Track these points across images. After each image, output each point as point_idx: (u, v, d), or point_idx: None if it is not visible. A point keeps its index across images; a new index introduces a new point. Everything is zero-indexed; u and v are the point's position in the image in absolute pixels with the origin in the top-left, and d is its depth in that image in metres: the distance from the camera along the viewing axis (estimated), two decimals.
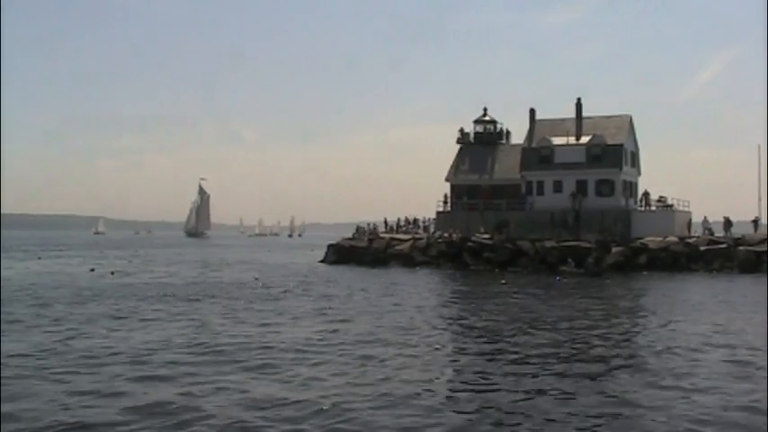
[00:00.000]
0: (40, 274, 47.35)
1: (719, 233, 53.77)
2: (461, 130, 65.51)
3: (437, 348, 19.32)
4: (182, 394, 13.91)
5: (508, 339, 20.95)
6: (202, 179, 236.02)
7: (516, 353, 18.64)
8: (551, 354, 18.38)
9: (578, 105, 60.90)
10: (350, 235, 64.75)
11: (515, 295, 33.59)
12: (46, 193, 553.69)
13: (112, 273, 49.05)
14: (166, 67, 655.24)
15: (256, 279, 43.18)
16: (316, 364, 16.97)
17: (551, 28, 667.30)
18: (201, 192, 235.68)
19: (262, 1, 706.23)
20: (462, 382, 15.45)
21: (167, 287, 37.84)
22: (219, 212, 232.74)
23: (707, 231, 54.36)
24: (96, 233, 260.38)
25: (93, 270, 52.04)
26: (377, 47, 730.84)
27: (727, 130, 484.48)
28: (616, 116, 60.50)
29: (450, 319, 25.75)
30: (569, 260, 49.00)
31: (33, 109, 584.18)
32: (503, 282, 40.46)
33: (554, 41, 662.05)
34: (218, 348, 19.04)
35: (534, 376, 15.84)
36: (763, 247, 48.82)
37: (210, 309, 28.27)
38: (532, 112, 62.54)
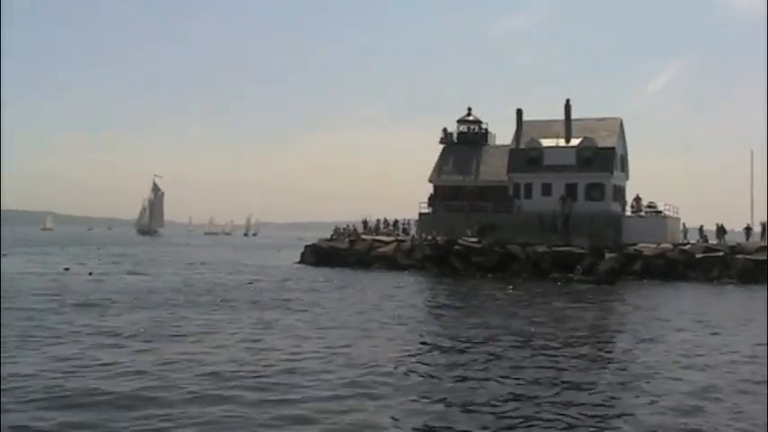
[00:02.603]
0: (21, 276, 42.82)
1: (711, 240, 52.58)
2: (445, 130, 63.30)
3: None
4: None
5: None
6: (157, 176, 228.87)
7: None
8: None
9: (567, 107, 59.14)
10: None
11: (548, 305, 31.48)
12: None
13: (90, 273, 45.45)
14: (113, 62, 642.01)
15: (251, 283, 40.22)
16: None
17: (502, 34, 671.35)
18: (155, 189, 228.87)
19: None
20: None
21: (176, 292, 34.18)
22: (168, 210, 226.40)
23: (702, 239, 52.95)
24: (44, 229, 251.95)
25: (67, 269, 48.30)
26: (326, 45, 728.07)
27: (678, 139, 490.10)
28: (607, 119, 58.87)
29: (521, 340, 21.81)
30: (578, 267, 46.95)
31: None
32: (510, 288, 38.27)
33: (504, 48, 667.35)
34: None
35: None
36: (762, 256, 47.41)
37: (250, 316, 25.54)
38: (519, 112, 60.67)
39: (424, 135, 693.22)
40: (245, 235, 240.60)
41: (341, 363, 17.14)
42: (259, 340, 20.46)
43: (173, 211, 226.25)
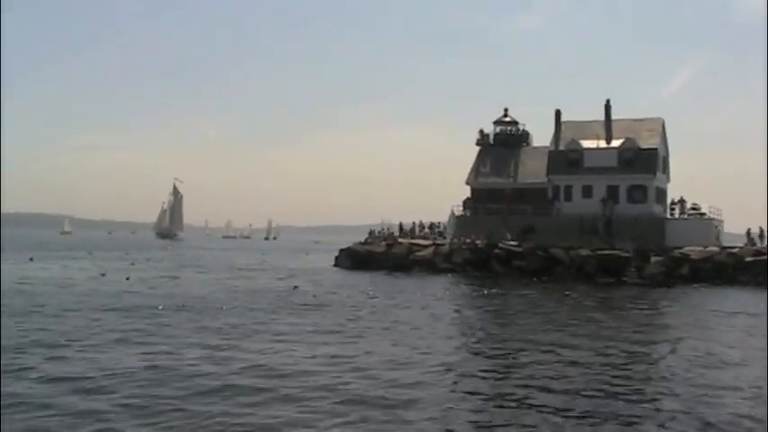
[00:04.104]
0: (67, 281, 42.09)
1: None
2: (481, 132, 62.36)
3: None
4: None
5: None
6: (177, 180, 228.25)
7: None
8: None
9: (607, 107, 58.14)
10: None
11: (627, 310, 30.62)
12: (4, 190, 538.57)
13: (127, 278, 44.78)
14: (132, 64, 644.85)
15: (296, 287, 39.40)
16: None
17: (520, 33, 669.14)
18: (175, 192, 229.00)
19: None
20: None
21: (234, 298, 33.37)
22: (185, 213, 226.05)
23: (749, 242, 51.68)
24: (63, 233, 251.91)
25: (104, 275, 47.68)
26: (350, 49, 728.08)
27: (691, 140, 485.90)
28: (648, 119, 57.69)
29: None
30: (633, 269, 45.90)
31: None
32: (567, 293, 37.33)
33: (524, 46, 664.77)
34: None
35: None
36: None
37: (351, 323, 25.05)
38: (558, 113, 59.63)
39: (445, 137, 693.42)
40: (266, 239, 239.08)
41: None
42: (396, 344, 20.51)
43: (188, 214, 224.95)
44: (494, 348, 20.60)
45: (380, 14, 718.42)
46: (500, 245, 52.04)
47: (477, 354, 19.85)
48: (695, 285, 44.60)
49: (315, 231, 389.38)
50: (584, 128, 57.87)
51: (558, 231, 52.97)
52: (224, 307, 29.35)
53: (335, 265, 59.64)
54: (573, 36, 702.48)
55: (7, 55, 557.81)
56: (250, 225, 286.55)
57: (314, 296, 34.65)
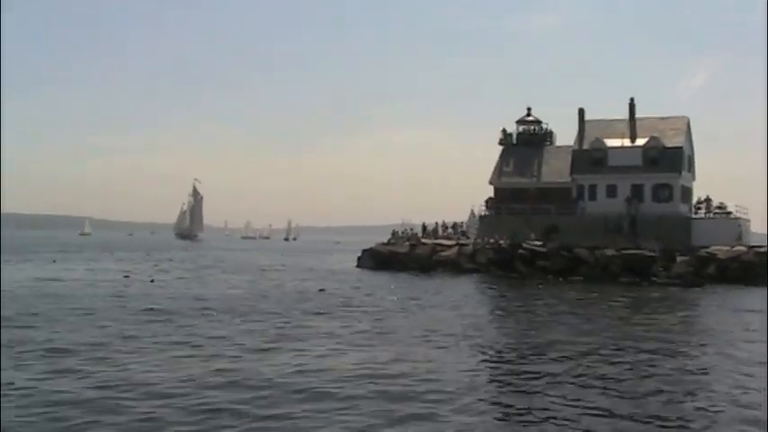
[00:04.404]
0: (95, 282, 42.34)
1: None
2: (504, 131, 62.12)
3: None
4: None
5: None
6: (197, 180, 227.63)
7: None
8: None
9: (631, 105, 57.74)
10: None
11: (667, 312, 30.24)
12: (22, 191, 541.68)
13: (152, 280, 44.92)
14: (153, 66, 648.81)
15: (322, 290, 39.32)
16: None
17: (534, 32, 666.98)
18: (195, 193, 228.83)
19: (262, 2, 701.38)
20: None
21: (275, 300, 33.36)
22: (205, 214, 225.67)
23: None
24: (83, 234, 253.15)
25: (127, 276, 47.94)
26: (355, 50, 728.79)
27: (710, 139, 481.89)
28: (673, 117, 57.26)
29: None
30: (661, 269, 45.57)
31: (13, 105, 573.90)
32: (594, 294, 37.10)
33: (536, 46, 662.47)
34: None
35: None
36: None
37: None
38: (581, 112, 59.26)
39: (459, 137, 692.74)
40: (286, 239, 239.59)
41: None
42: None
43: (207, 214, 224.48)
44: (549, 351, 20.24)
45: (398, 14, 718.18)
46: (524, 245, 51.77)
47: (534, 356, 19.56)
48: (724, 285, 44.11)
49: (334, 232, 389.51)
50: (608, 126, 57.50)
51: (582, 231, 52.66)
52: (260, 309, 29.31)
53: (358, 266, 59.63)
54: (584, 36, 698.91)
55: (29, 55, 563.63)
56: (270, 225, 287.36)
57: (341, 298, 34.59)
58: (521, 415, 13.41)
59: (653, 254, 48.39)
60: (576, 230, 52.90)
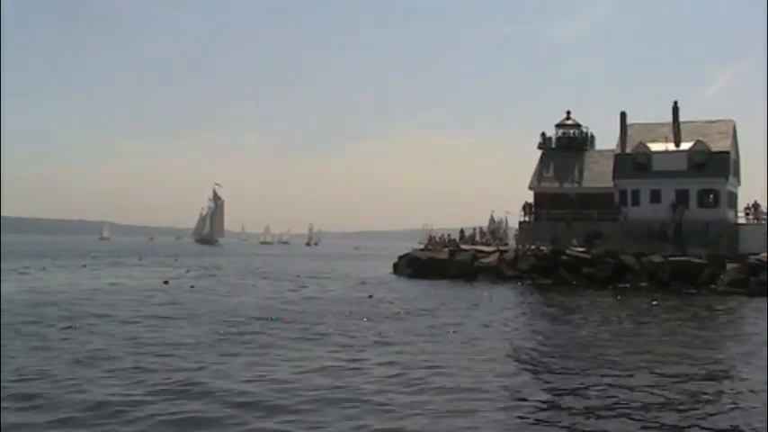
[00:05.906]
0: (139, 286, 42.06)
1: None
2: (543, 135, 60.88)
3: None
4: None
5: None
6: (217, 185, 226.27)
7: None
8: None
9: (675, 109, 56.41)
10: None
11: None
12: (39, 196, 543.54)
13: (192, 287, 44.24)
14: (172, 72, 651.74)
15: (370, 296, 38.43)
16: None
17: (558, 40, 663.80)
18: (216, 198, 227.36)
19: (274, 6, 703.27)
20: None
21: (317, 307, 32.90)
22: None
23: None
24: (102, 239, 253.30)
25: (167, 282, 47.23)
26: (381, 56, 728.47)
27: None
28: (719, 121, 55.84)
29: None
30: (721, 278, 44.30)
31: (34, 110, 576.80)
32: (654, 303, 35.87)
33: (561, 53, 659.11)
34: None
35: None
36: None
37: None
38: (623, 115, 57.99)
39: (484, 142, 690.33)
40: (308, 244, 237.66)
41: None
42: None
43: (226, 219, 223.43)
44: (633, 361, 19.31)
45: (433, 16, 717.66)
46: (567, 251, 50.62)
47: (610, 368, 18.56)
48: None
49: (349, 237, 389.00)
50: (652, 130, 56.23)
51: (625, 237, 51.59)
52: (318, 317, 28.60)
53: (394, 273, 58.55)
54: (612, 41, 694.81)
55: (47, 60, 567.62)
56: (289, 231, 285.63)
57: (391, 302, 33.77)
58: None
59: (701, 261, 47.14)
60: (618, 237, 51.84)
